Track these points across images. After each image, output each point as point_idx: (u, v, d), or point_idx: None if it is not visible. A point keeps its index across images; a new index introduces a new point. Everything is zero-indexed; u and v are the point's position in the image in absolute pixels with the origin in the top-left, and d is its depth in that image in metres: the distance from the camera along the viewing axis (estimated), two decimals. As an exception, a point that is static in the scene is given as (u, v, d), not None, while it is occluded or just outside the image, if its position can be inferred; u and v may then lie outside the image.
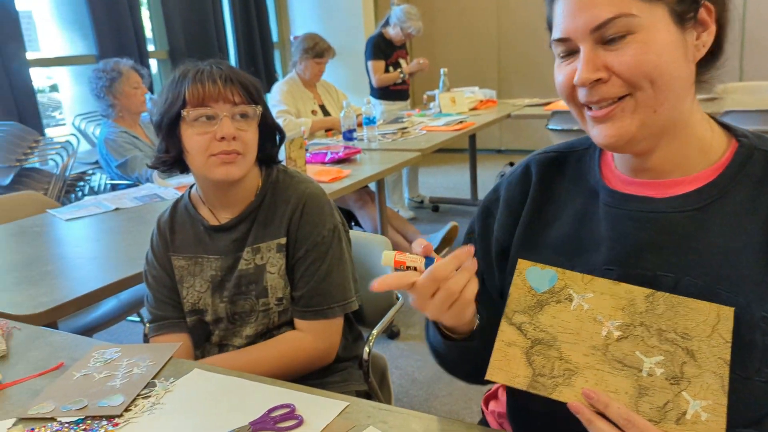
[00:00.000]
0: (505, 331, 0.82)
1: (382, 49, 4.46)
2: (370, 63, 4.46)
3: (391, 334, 2.89)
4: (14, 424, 0.92)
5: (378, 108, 4.51)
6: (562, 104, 4.05)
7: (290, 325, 1.34)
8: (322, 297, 1.30)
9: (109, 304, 2.31)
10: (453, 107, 4.10)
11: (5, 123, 3.75)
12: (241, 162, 1.28)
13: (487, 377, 0.80)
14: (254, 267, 1.32)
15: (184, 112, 1.24)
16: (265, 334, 1.34)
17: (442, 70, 4.30)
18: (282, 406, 0.93)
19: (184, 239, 1.37)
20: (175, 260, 1.37)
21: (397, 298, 1.53)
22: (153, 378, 1.04)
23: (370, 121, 3.33)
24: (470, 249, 0.81)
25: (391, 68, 4.50)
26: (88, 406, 0.96)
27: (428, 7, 6.43)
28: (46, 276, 1.60)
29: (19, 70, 3.95)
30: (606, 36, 0.77)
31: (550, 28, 0.85)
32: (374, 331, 1.41)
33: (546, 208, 0.94)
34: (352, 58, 5.55)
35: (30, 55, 4.06)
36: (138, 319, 2.64)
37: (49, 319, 1.38)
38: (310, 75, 3.83)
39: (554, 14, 0.82)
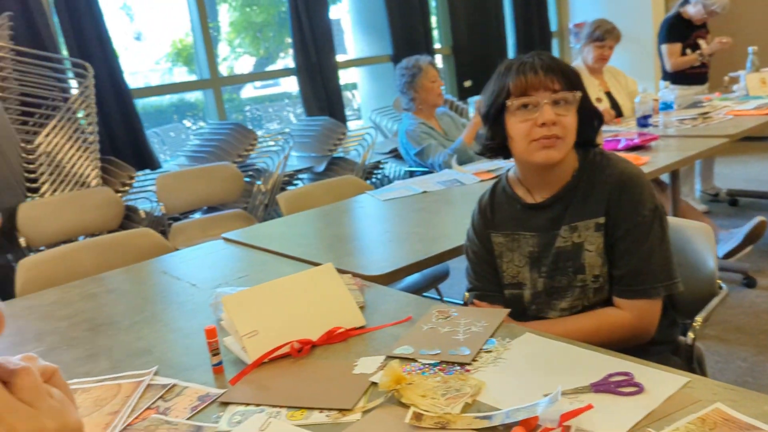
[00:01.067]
0: None
1: (679, 30, 4.14)
2: (664, 46, 4.18)
3: (685, 330, 2.71)
4: (384, 360, 1.12)
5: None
6: None
7: (605, 303, 1.37)
8: (645, 276, 1.30)
9: (412, 278, 2.56)
10: (763, 89, 3.66)
11: (320, 118, 4.35)
12: (561, 145, 1.34)
13: None
14: (572, 244, 1.37)
15: (508, 102, 1.34)
16: (581, 310, 1.39)
17: (750, 49, 3.86)
18: (620, 373, 0.98)
19: (502, 217, 1.48)
20: (494, 237, 1.48)
21: (720, 288, 1.46)
22: (490, 337, 1.16)
23: (668, 107, 3.15)
24: None
25: (688, 50, 4.17)
26: (441, 353, 1.11)
27: (730, -21, 5.79)
28: (378, 245, 1.85)
29: (330, 72, 4.54)
30: None
31: None
32: (698, 318, 1.37)
33: None
34: (637, 42, 5.26)
35: (338, 58, 4.63)
36: (438, 296, 2.85)
37: (386, 281, 1.59)
38: (592, 59, 3.70)
39: None
